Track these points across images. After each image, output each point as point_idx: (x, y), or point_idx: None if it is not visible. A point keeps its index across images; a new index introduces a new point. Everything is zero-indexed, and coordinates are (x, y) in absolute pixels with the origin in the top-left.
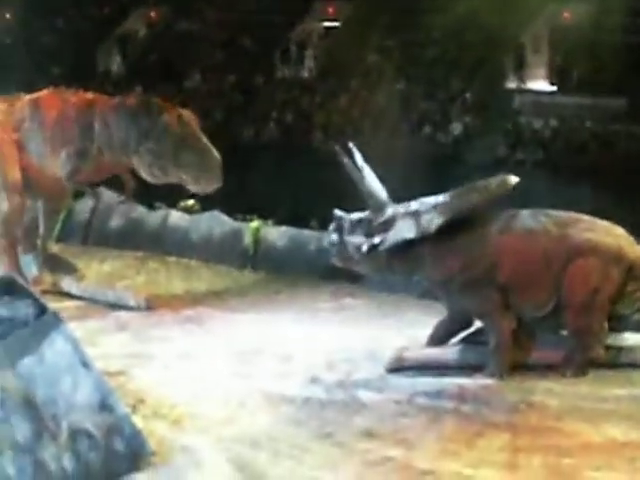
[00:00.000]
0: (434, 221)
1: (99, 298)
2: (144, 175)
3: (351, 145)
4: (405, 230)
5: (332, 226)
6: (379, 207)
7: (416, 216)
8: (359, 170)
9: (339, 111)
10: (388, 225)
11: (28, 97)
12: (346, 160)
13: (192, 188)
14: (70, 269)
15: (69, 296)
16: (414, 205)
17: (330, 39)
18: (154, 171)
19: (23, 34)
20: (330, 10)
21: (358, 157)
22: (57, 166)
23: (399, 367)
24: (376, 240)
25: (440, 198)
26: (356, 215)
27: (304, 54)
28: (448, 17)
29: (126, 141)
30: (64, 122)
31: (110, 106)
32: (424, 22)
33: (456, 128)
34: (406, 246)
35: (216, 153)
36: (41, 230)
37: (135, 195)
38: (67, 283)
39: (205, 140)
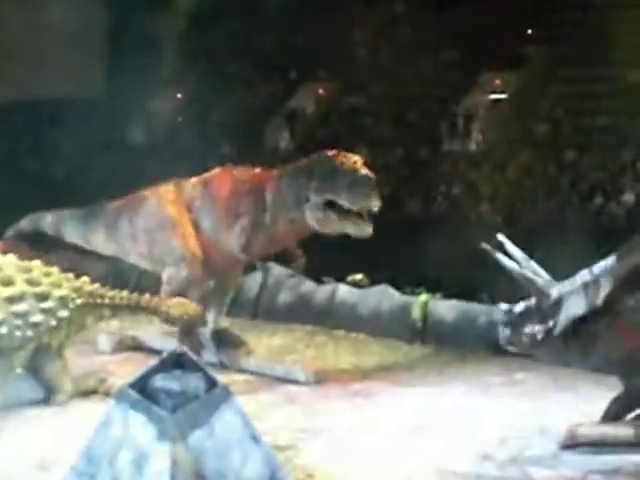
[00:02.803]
0: (600, 291)
1: (268, 372)
2: (317, 226)
3: (501, 238)
4: (575, 307)
5: (502, 321)
6: (542, 291)
7: (584, 289)
8: (515, 261)
9: (507, 183)
10: (557, 306)
11: (198, 177)
12: (499, 255)
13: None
14: (239, 343)
15: (238, 370)
16: (580, 278)
17: (497, 111)
18: (322, 219)
19: (193, 113)
20: (496, 82)
21: (511, 248)
22: (231, 241)
23: (573, 444)
24: (549, 324)
25: (603, 264)
26: (523, 305)
27: (471, 126)
28: (618, 85)
29: (297, 197)
30: (235, 198)
31: (279, 173)
32: (593, 91)
33: (628, 199)
34: (580, 324)
35: (367, 172)
36: (211, 306)
37: (304, 269)
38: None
39: (358, 166)
